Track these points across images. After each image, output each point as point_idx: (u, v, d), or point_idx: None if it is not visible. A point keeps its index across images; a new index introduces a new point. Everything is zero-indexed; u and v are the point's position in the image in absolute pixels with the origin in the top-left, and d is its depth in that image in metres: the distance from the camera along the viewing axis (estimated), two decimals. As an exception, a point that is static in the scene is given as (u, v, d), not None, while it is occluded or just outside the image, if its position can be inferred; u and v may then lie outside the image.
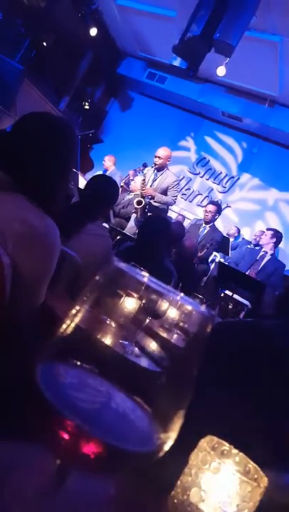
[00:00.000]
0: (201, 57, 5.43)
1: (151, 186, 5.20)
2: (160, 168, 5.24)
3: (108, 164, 7.19)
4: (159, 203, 5.17)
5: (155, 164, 5.20)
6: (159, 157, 5.20)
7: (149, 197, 5.15)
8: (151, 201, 5.16)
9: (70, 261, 1.83)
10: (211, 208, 5.78)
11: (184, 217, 7.41)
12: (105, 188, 2.48)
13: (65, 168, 1.30)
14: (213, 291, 5.19)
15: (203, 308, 0.36)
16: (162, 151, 5.26)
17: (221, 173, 8.85)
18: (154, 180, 5.24)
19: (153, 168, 5.24)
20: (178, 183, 5.51)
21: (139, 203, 5.14)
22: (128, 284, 0.39)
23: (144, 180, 5.22)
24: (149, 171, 5.28)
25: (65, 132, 1.28)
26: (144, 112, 9.46)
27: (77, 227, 2.18)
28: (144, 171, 5.33)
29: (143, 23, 7.74)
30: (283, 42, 6.29)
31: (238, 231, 7.55)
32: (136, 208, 5.19)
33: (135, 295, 0.54)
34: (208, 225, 5.81)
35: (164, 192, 5.21)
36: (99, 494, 0.49)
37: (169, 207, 5.54)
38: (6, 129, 1.35)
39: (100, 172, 7.13)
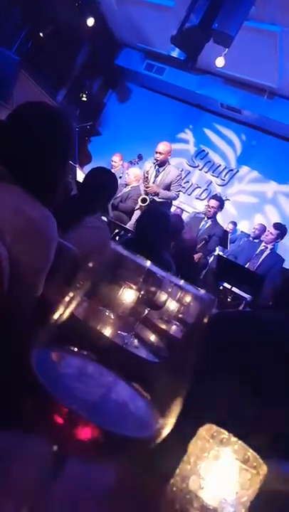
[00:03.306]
0: (199, 48, 5.39)
1: (154, 183, 5.18)
2: (161, 164, 5.22)
3: (117, 164, 7.10)
4: (162, 198, 5.17)
5: (156, 160, 5.17)
6: (160, 153, 5.18)
7: (153, 194, 5.14)
8: (155, 198, 5.15)
9: (67, 253, 1.82)
10: (214, 203, 5.74)
11: (182, 211, 7.39)
12: (104, 181, 2.47)
13: (63, 159, 1.29)
14: (212, 284, 5.20)
15: (203, 292, 0.36)
16: (163, 147, 5.23)
17: (219, 165, 8.82)
18: (156, 176, 5.22)
19: (154, 164, 5.21)
20: (181, 177, 5.50)
21: (143, 200, 5.12)
22: (127, 268, 0.39)
23: (146, 177, 5.20)
24: (151, 168, 5.25)
25: (62, 122, 1.27)
26: (142, 104, 9.40)
27: (76, 220, 2.17)
28: (146, 168, 5.30)
29: (141, 13, 7.67)
30: (283, 32, 6.24)
31: (235, 226, 7.56)
32: (140, 206, 5.18)
33: (134, 283, 0.54)
34: (209, 220, 5.80)
35: (168, 187, 5.19)
36: (97, 481, 0.49)
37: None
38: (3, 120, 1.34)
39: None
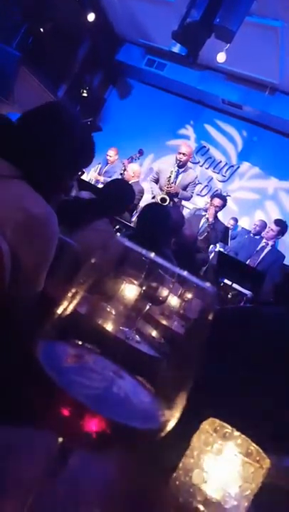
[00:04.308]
0: (200, 43, 5.36)
1: (173, 183, 5.26)
2: (182, 165, 5.27)
3: (113, 158, 7.08)
4: (180, 198, 5.23)
5: (179, 161, 5.21)
6: (183, 154, 5.22)
7: (174, 194, 5.21)
8: (174, 198, 5.22)
9: (69, 249, 1.83)
10: (218, 202, 5.67)
11: (182, 207, 7.38)
12: (124, 192, 2.60)
13: (71, 158, 1.31)
14: (212, 281, 5.20)
15: (206, 284, 0.36)
16: (185, 148, 5.31)
17: (220, 161, 8.79)
18: (176, 177, 5.28)
19: (175, 165, 5.25)
20: (197, 179, 5.61)
21: (163, 200, 5.16)
22: (129, 263, 0.39)
23: (169, 177, 5.25)
24: (173, 168, 5.30)
25: (71, 122, 1.29)
26: (143, 100, 9.36)
27: (86, 223, 2.24)
28: (171, 169, 5.35)
29: (142, 8, 7.63)
30: (285, 27, 6.20)
31: (236, 222, 7.54)
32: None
33: (136, 279, 0.54)
34: (210, 217, 5.78)
35: (185, 188, 5.27)
36: (101, 474, 0.49)
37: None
38: (6, 114, 1.36)
39: (100, 165, 7.07)
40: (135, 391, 0.35)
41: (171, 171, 5.30)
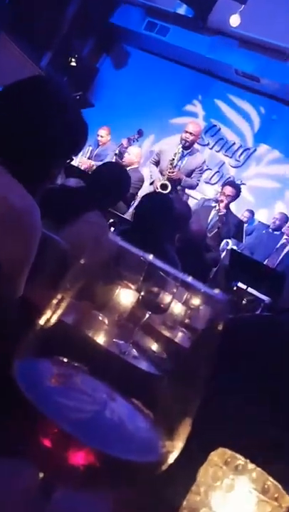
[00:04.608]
0: (210, 4, 5.37)
1: (176, 167, 5.22)
2: (188, 147, 5.25)
3: (105, 139, 7.07)
4: (184, 186, 5.19)
5: (185, 141, 5.19)
6: (190, 133, 5.21)
7: (176, 181, 5.17)
8: (177, 186, 5.19)
9: (54, 247, 1.83)
10: (230, 190, 5.65)
11: (188, 197, 7.39)
12: (119, 177, 2.56)
13: (59, 142, 1.32)
14: (224, 284, 5.20)
15: (215, 291, 0.36)
16: (193, 126, 5.30)
17: (234, 143, 8.80)
18: (181, 159, 5.25)
19: (180, 146, 5.23)
20: (205, 164, 5.56)
21: (164, 187, 5.14)
22: (125, 264, 0.39)
23: (172, 159, 5.22)
24: (178, 150, 5.26)
25: (59, 100, 1.31)
26: (142, 70, 9.36)
27: (76, 216, 2.22)
28: (176, 150, 5.31)
29: None
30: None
31: (252, 215, 7.53)
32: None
33: (133, 282, 0.54)
34: (222, 209, 5.77)
35: (190, 174, 5.23)
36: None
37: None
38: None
39: (90, 148, 7.06)
40: (130, 416, 0.35)
41: (175, 153, 5.27)
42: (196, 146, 5.78)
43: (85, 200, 2.37)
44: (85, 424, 0.33)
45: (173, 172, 5.18)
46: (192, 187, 5.44)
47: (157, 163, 5.56)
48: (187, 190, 7.52)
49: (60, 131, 1.30)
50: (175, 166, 5.23)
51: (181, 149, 5.28)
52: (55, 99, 1.30)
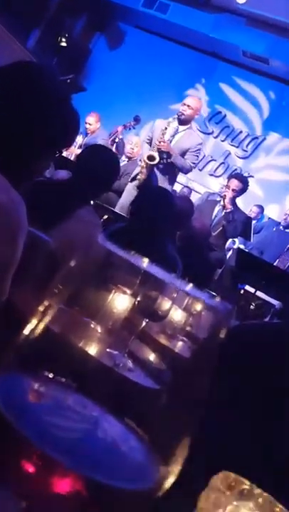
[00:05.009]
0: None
1: (168, 141, 5.16)
2: (184, 122, 5.20)
3: (94, 127, 7.06)
4: (173, 165, 5.12)
5: (181, 114, 5.15)
6: (188, 105, 5.16)
7: (166, 154, 5.09)
8: (166, 160, 5.11)
9: (43, 247, 1.83)
10: (236, 184, 5.63)
11: (190, 190, 7.39)
12: (105, 161, 2.51)
13: (48, 133, 1.32)
14: (230, 287, 5.21)
15: (217, 301, 0.36)
16: (192, 100, 5.25)
17: (241, 132, 8.82)
18: (174, 135, 5.19)
19: (174, 118, 5.19)
20: (201, 146, 5.48)
21: (151, 158, 5.06)
22: (119, 267, 0.39)
23: (165, 128, 5.15)
24: (171, 122, 5.21)
25: (49, 88, 1.33)
26: (139, 51, 9.38)
27: (65, 213, 2.21)
28: (169, 120, 5.25)
29: None
30: None
31: (261, 211, 7.53)
32: (142, 167, 5.12)
33: (128, 287, 0.54)
34: (227, 204, 5.77)
35: (183, 154, 5.18)
36: None
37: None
38: None
39: (81, 137, 7.05)
40: (123, 438, 0.35)
41: (169, 122, 5.22)
42: (197, 132, 5.74)
43: (72, 193, 2.34)
44: (71, 448, 0.33)
45: (162, 142, 5.12)
46: (184, 169, 5.32)
47: (151, 142, 5.49)
48: (190, 184, 7.51)
49: (48, 122, 1.30)
50: (168, 141, 5.17)
51: (176, 122, 5.23)
52: (42, 88, 1.31)
